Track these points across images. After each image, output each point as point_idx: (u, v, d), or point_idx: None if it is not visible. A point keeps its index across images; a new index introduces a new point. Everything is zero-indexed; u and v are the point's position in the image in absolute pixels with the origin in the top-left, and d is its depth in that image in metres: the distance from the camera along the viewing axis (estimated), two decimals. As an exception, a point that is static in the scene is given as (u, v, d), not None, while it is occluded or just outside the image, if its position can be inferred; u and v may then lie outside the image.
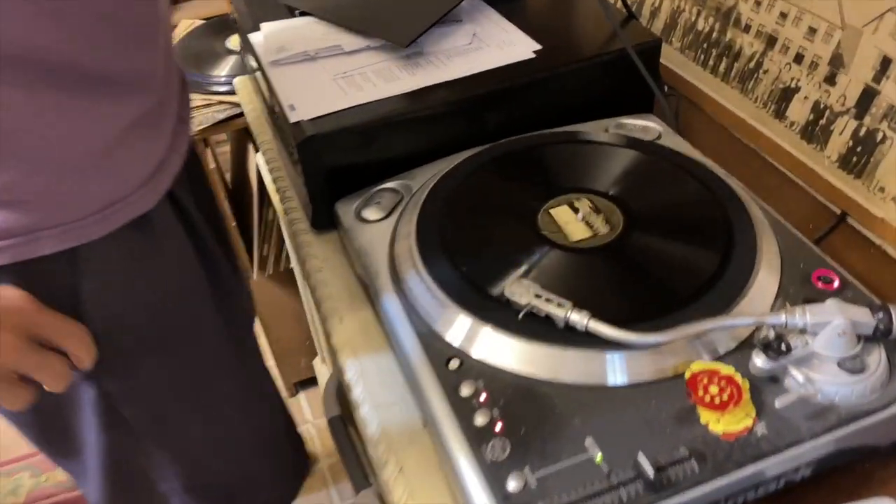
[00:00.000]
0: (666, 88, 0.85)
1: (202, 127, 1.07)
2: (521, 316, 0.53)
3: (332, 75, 0.76)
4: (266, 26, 0.84)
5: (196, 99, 1.11)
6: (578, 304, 0.53)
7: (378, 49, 0.79)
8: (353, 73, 0.76)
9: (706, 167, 0.68)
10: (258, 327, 1.40)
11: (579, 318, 0.52)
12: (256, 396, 0.81)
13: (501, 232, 0.63)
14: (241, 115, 1.09)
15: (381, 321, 0.63)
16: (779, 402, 0.47)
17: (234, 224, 1.19)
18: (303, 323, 1.34)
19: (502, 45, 0.79)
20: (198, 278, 0.71)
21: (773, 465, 0.47)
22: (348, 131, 0.70)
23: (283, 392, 1.53)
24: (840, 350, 0.49)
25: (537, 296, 0.53)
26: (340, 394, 0.97)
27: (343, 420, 0.92)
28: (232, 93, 1.07)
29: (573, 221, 0.62)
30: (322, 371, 1.41)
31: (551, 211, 0.64)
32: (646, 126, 0.76)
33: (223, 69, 1.15)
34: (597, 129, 0.76)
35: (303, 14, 0.86)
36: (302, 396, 1.53)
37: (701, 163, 0.69)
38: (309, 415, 1.49)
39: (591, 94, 0.79)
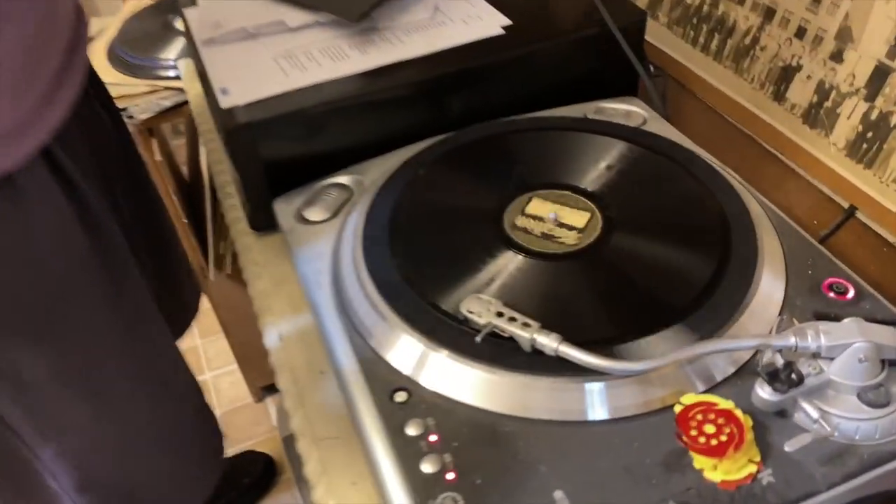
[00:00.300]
0: (652, 69, 0.77)
1: (146, 116, 0.97)
2: (479, 338, 0.44)
3: (273, 55, 0.67)
4: (203, 1, 0.75)
5: (140, 85, 1.01)
6: (550, 323, 0.44)
7: (327, 25, 0.70)
8: (297, 52, 0.67)
9: (698, 157, 0.60)
10: (219, 330, 1.31)
11: (548, 342, 0.43)
12: (159, 388, 0.71)
13: (462, 236, 0.54)
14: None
15: (323, 340, 0.55)
16: (789, 446, 0.39)
17: (184, 220, 1.09)
18: (265, 324, 1.25)
19: (467, 19, 0.70)
20: (78, 254, 0.61)
21: (781, 522, 0.38)
22: (288, 118, 0.61)
23: (249, 397, 1.45)
24: (861, 378, 0.41)
25: (499, 314, 0.45)
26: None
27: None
28: (179, 77, 0.97)
29: (545, 223, 0.53)
30: (289, 375, 1.32)
31: (520, 211, 0.55)
32: (629, 111, 0.67)
33: (171, 51, 1.05)
34: (573, 114, 0.68)
35: (244, -13, 0.76)
36: (269, 401, 1.45)
37: (692, 152, 0.60)
38: (276, 421, 1.40)
39: (568, 76, 0.71)
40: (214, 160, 0.78)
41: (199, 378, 1.43)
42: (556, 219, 0.53)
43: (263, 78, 0.64)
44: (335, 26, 0.70)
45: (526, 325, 0.44)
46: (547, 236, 0.52)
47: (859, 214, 0.64)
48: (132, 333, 0.67)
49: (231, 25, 0.70)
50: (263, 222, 0.66)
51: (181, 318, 0.91)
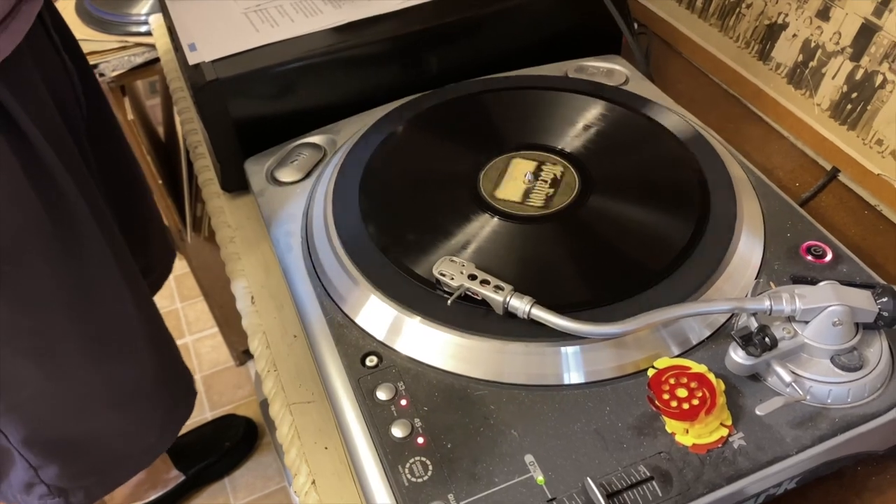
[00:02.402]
0: (636, 26, 0.75)
1: (117, 73, 0.94)
2: (450, 301, 0.43)
3: (243, 9, 0.65)
4: (170, -48, 0.72)
5: (111, 41, 0.98)
6: (525, 287, 0.43)
7: (300, -22, 0.68)
8: (268, 7, 0.64)
9: (679, 117, 0.58)
10: (199, 293, 1.30)
11: (521, 304, 0.42)
12: (115, 347, 0.70)
13: (436, 198, 0.53)
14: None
15: (294, 304, 0.54)
16: (761, 409, 0.38)
17: (159, 182, 1.07)
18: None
19: (445, -27, 0.68)
20: (27, 208, 0.58)
21: (752, 484, 0.38)
22: (259, 75, 0.59)
23: (231, 360, 1.44)
24: (834, 342, 0.40)
25: (472, 277, 0.44)
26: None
27: (276, 402, 0.83)
28: (151, 33, 0.94)
29: (520, 184, 0.52)
30: (271, 338, 1.32)
31: (495, 172, 0.54)
32: (611, 69, 0.66)
33: (143, 7, 1.02)
34: (554, 73, 0.66)
35: (214, -62, 0.73)
36: (251, 365, 1.44)
37: (673, 112, 0.59)
38: (255, 385, 1.40)
39: (549, 32, 0.68)
40: (186, 119, 0.76)
41: (180, 342, 1.42)
42: (532, 180, 0.52)
43: (233, 33, 0.62)
44: (308, -20, 0.67)
45: (499, 288, 0.43)
46: (523, 198, 0.51)
47: (842, 177, 0.63)
48: (86, 292, 0.65)
49: (200, -22, 0.67)
50: (235, 183, 0.65)
51: (153, 276, 0.89)
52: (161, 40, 0.86)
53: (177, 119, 1.06)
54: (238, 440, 1.29)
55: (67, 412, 0.70)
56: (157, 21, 0.88)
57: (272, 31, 0.62)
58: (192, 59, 0.59)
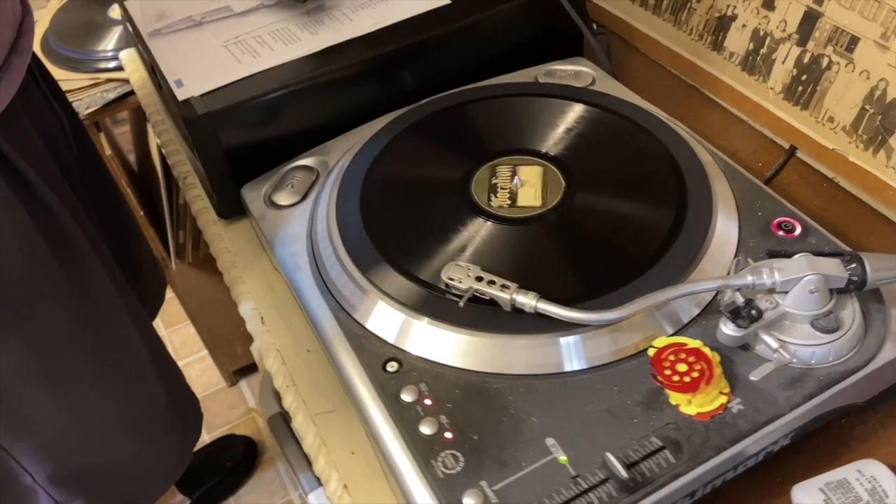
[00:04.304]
0: (595, 27, 0.79)
1: (91, 110, 0.95)
2: (462, 303, 0.47)
3: (223, 42, 0.67)
4: (142, -9, 0.74)
5: (82, 79, 0.99)
6: (523, 285, 0.47)
7: (273, 7, 0.70)
8: (247, 38, 0.67)
9: (648, 112, 0.62)
10: (184, 318, 1.31)
11: (527, 300, 0.46)
12: (127, 377, 0.72)
13: (432, 207, 0.56)
14: (134, 92, 0.98)
15: (308, 320, 0.56)
16: (754, 375, 0.43)
17: (141, 213, 1.08)
18: (233, 308, 1.25)
19: (413, -8, 0.71)
20: (34, 250, 0.60)
21: (753, 443, 0.42)
22: (246, 105, 0.62)
23: (223, 382, 1.45)
24: (812, 307, 0.44)
25: (479, 278, 0.47)
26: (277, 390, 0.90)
27: (283, 417, 0.85)
28: (121, 69, 0.95)
29: (510, 188, 0.56)
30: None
31: (485, 178, 0.57)
32: (578, 71, 0.70)
33: (108, 42, 1.03)
34: (524, 79, 0.69)
35: (184, -27, 0.75)
36: (243, 384, 1.45)
37: (642, 108, 0.63)
38: (252, 402, 1.41)
39: (515, 40, 0.72)
40: (171, 150, 0.78)
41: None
42: (520, 183, 0.56)
43: (216, 66, 0.64)
44: (281, 8, 0.70)
45: (504, 286, 0.46)
46: (513, 201, 0.55)
47: (800, 154, 0.68)
48: (97, 326, 0.67)
49: (176, 15, 0.69)
50: (230, 210, 0.67)
51: (148, 306, 0.91)
52: (135, 75, 0.88)
53: (152, 149, 1.07)
54: (239, 459, 1.30)
55: (88, 445, 0.72)
56: (128, 56, 0.90)
57: (254, 61, 0.64)
58: (181, 94, 0.62)
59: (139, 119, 1.12)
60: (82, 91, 0.97)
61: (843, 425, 0.49)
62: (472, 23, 0.68)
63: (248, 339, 1.51)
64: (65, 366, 0.65)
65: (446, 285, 0.48)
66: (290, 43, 0.66)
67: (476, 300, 0.48)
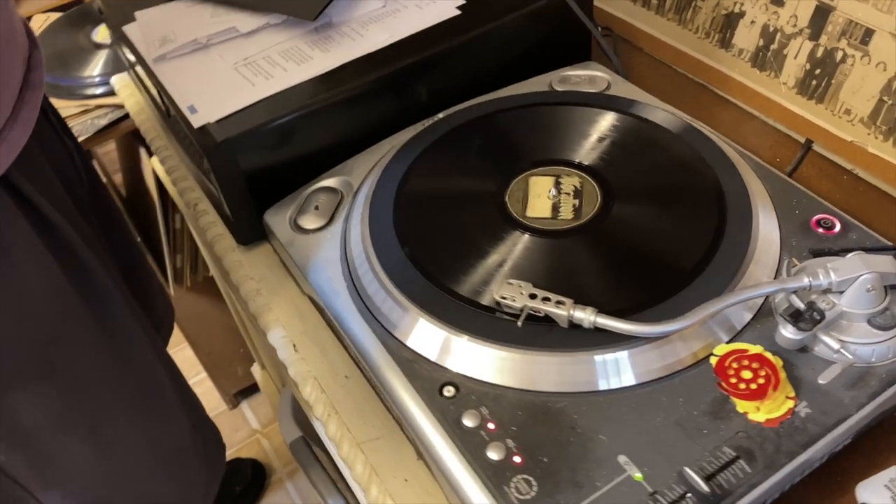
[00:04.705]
0: (599, 30, 0.79)
1: (83, 138, 0.93)
2: (520, 322, 0.46)
3: (233, 64, 0.65)
4: (142, 15, 0.72)
5: (70, 106, 0.96)
6: (570, 298, 0.46)
7: (280, 26, 0.69)
8: (258, 59, 0.65)
9: (669, 113, 0.62)
10: (182, 340, 1.28)
11: (585, 315, 0.45)
12: (154, 414, 0.70)
13: (468, 224, 0.55)
14: (126, 117, 0.96)
15: (347, 346, 0.55)
16: (822, 378, 0.42)
17: (138, 239, 1.06)
18: (232, 331, 1.23)
19: (421, 3, 0.70)
20: (61, 295, 0.58)
21: (824, 446, 0.42)
22: (265, 129, 0.60)
23: (223, 405, 1.42)
24: (869, 306, 0.44)
25: (532, 296, 0.46)
26: (297, 413, 0.89)
27: (306, 441, 0.84)
28: (111, 93, 0.93)
29: (546, 199, 0.55)
30: (263, 377, 1.31)
31: (520, 190, 0.56)
32: (592, 76, 0.69)
33: (95, 67, 1.00)
34: (539, 86, 0.69)
35: (183, -5, 0.74)
36: (244, 406, 1.43)
37: (662, 109, 0.63)
38: (255, 423, 1.39)
39: (526, 48, 0.71)
40: (178, 177, 0.76)
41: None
42: (556, 195, 0.55)
43: (230, 90, 0.62)
44: (289, 26, 0.68)
45: (560, 302, 0.46)
46: (552, 213, 0.54)
47: (816, 147, 0.68)
48: (125, 362, 0.66)
49: (180, 38, 0.67)
50: (250, 236, 0.66)
51: (161, 333, 0.89)
52: (130, 100, 0.86)
53: (146, 173, 1.05)
54: (248, 483, 1.28)
55: (122, 484, 0.70)
56: (121, 81, 0.87)
57: (268, 83, 0.63)
58: (196, 121, 0.60)
59: (128, 143, 1.09)
60: (73, 119, 0.95)
61: (893, 417, 0.49)
62: (485, 32, 0.68)
63: (249, 360, 1.50)
64: (99, 410, 0.63)
65: (498, 304, 0.47)
66: (302, 62, 0.65)
67: (529, 317, 0.47)
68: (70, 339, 0.58)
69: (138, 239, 1.06)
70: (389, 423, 0.54)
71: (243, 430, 1.39)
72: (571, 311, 0.45)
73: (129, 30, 0.71)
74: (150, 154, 1.00)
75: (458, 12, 0.68)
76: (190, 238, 1.09)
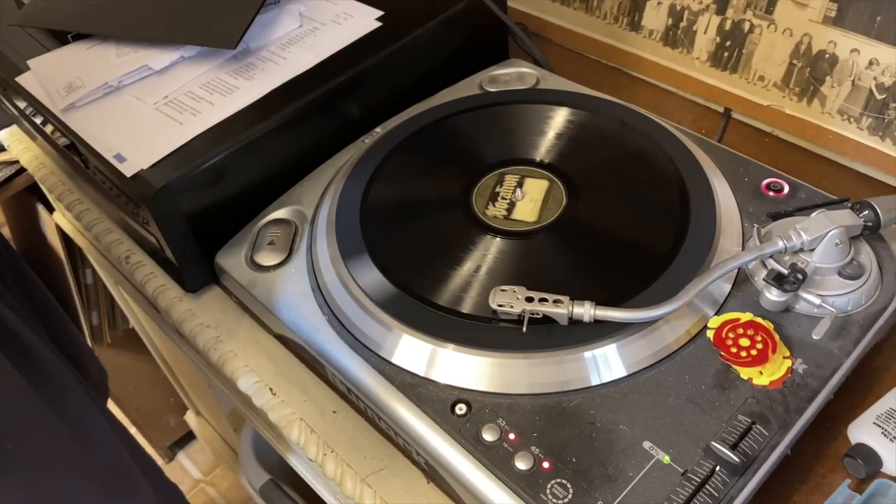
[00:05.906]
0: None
1: (-28, 202, 0.85)
2: (525, 328, 0.46)
3: (153, 104, 0.61)
4: (36, 63, 0.66)
5: (-50, 169, 0.87)
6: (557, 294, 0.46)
7: (194, 58, 0.65)
8: (179, 96, 0.62)
9: (608, 100, 0.64)
10: (111, 399, 1.20)
11: (584, 310, 0.45)
12: (118, 480, 0.66)
13: (440, 235, 0.54)
14: (20, 172, 0.88)
15: (330, 381, 0.53)
16: (816, 334, 0.45)
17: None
18: (160, 381, 1.16)
19: (338, 19, 0.68)
20: (6, 376, 0.53)
21: (825, 396, 0.44)
22: (204, 169, 0.57)
23: (158, 460, 1.34)
24: (838, 259, 0.47)
25: (528, 299, 0.46)
26: (260, 455, 0.85)
27: (276, 484, 0.81)
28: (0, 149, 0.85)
29: (510, 200, 0.55)
30: (199, 424, 1.25)
31: (484, 194, 0.56)
32: (520, 73, 0.70)
33: (-30, 124, 0.92)
34: (470, 89, 0.69)
35: (79, 37, 0.68)
36: (181, 457, 1.35)
37: (599, 97, 0.64)
38: (197, 473, 1.32)
39: (449, 53, 0.71)
40: (100, 231, 0.70)
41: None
42: (520, 195, 0.55)
43: (156, 132, 0.59)
44: (205, 57, 0.65)
45: (557, 301, 0.46)
46: (517, 214, 0.54)
47: (736, 115, 0.72)
48: (83, 443, 0.60)
49: (88, 84, 0.63)
50: (199, 282, 0.62)
51: (97, 397, 0.83)
52: (26, 155, 0.79)
53: (45, 228, 0.97)
54: (202, 537, 1.22)
55: None
56: (12, 136, 0.80)
57: (196, 119, 0.59)
58: (127, 170, 0.56)
59: (22, 200, 1.01)
60: (-43, 183, 0.86)
61: (863, 361, 0.53)
62: (409, 41, 0.67)
63: (181, 409, 1.42)
64: (61, 493, 0.57)
65: (495, 312, 0.47)
66: (228, 93, 0.61)
67: (512, 322, 0.47)
68: (23, 428, 0.52)
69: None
70: (390, 452, 0.52)
71: (185, 482, 1.32)
72: (571, 308, 0.45)
73: (25, 80, 0.65)
74: (50, 209, 0.93)
75: (378, 24, 0.67)
76: (105, 292, 1.02)
